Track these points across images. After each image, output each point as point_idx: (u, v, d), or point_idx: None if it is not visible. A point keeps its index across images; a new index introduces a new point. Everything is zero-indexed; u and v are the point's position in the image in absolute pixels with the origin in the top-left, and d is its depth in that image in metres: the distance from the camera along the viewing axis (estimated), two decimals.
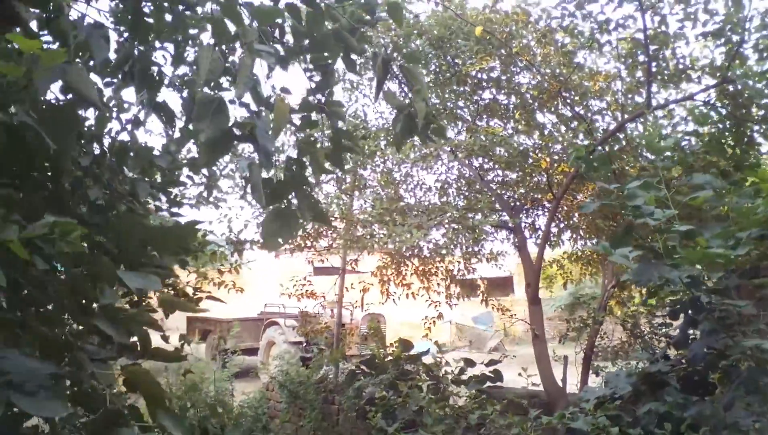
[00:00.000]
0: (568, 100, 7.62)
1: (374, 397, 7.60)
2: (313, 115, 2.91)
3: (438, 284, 9.69)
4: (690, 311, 3.12)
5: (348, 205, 8.58)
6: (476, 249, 9.24)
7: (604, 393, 3.62)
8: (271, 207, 2.51)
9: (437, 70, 8.24)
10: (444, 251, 9.41)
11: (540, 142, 8.15)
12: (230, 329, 18.84)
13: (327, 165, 3.25)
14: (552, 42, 7.33)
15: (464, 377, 7.47)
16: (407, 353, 8.13)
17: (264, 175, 2.57)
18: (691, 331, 3.20)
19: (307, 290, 9.57)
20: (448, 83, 8.13)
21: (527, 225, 9.07)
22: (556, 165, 8.04)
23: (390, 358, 8.29)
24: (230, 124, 2.24)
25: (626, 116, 7.08)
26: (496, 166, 8.71)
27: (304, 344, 15.81)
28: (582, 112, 7.70)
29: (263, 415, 9.64)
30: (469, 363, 7.59)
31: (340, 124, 3.08)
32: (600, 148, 6.10)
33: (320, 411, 8.13)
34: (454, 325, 25.21)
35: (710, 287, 2.91)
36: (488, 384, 7.42)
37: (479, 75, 8.16)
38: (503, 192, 8.83)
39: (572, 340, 8.43)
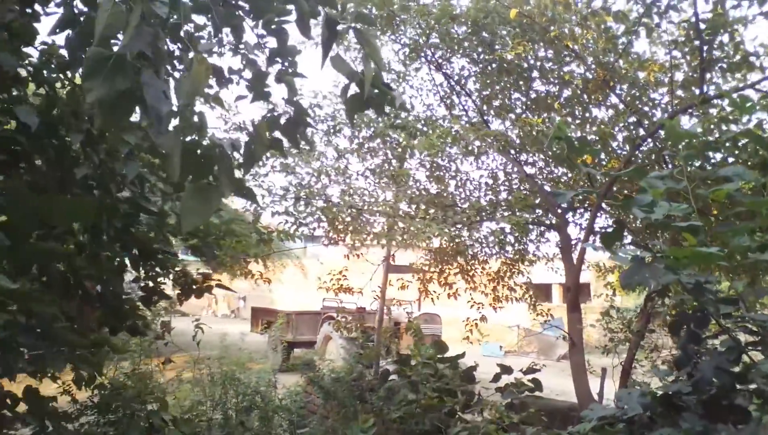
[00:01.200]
0: (617, 91, 7.00)
1: (406, 399, 7.31)
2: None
3: (484, 286, 9.25)
4: (692, 324, 2.64)
5: (393, 197, 8.23)
6: (524, 247, 8.78)
7: (610, 413, 3.17)
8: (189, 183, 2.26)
9: (477, 58, 7.82)
10: (495, 248, 8.99)
11: (592, 136, 7.58)
12: (290, 322, 19.13)
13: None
14: (596, 24, 6.72)
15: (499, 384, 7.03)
16: (441, 356, 7.76)
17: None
18: (696, 348, 2.71)
19: (342, 285, 9.34)
20: (490, 73, 7.68)
21: (576, 225, 8.49)
22: (605, 162, 7.43)
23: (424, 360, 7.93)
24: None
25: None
26: (541, 162, 8.19)
27: (361, 340, 15.71)
28: (631, 102, 7.05)
29: (301, 409, 9.50)
30: (506, 370, 7.13)
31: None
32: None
33: (353, 410, 7.88)
34: (522, 329, 24.49)
35: (720, 296, 2.43)
36: (526, 393, 6.94)
37: (524, 63, 7.65)
38: (549, 189, 8.29)
39: (611, 350, 7.79)
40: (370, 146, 8.03)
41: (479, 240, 8.88)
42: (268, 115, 2.90)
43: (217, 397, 9.28)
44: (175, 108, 2.08)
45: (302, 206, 7.18)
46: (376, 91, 2.46)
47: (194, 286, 5.59)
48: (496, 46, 7.44)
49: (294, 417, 9.18)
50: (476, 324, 9.03)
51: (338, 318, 16.94)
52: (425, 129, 7.15)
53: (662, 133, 6.26)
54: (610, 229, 2.58)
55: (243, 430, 9.07)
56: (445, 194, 8.89)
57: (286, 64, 2.81)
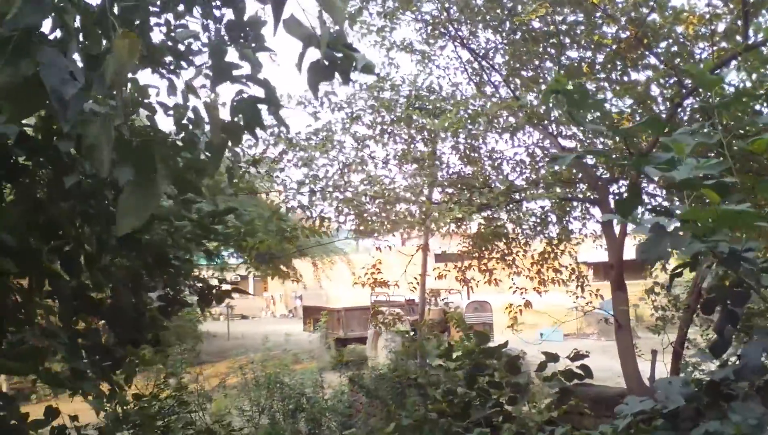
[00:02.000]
0: (654, 49, 6.44)
1: (450, 393, 6.95)
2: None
3: (528, 269, 8.81)
4: (729, 301, 2.22)
5: (426, 181, 7.86)
6: (567, 226, 8.30)
7: (647, 407, 2.77)
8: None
9: (501, 28, 7.35)
10: (537, 228, 8.56)
11: (629, 102, 7.01)
12: (339, 319, 19.05)
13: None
14: None
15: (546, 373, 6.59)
16: (483, 346, 7.36)
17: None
18: (730, 330, 2.28)
19: (376, 279, 9.04)
20: (516, 43, 7.21)
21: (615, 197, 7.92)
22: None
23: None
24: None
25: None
26: (580, 133, 7.67)
27: (411, 334, 15.49)
28: (670, 60, 6.46)
29: (348, 408, 9.28)
30: (552, 357, 6.69)
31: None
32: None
33: (396, 407, 7.59)
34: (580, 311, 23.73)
35: (764, 266, 2.00)
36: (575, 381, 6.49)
37: (551, 28, 7.15)
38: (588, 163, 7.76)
39: (660, 330, 7.20)
40: (392, 131, 7.70)
41: (518, 221, 8.44)
42: (237, 97, 2.62)
43: (263, 401, 9.17)
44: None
45: (319, 199, 6.93)
46: (340, 54, 2.14)
47: (211, 293, 5.41)
48: (519, 11, 6.97)
49: (341, 418, 8.98)
50: (521, 310, 8.60)
51: (386, 312, 16.79)
52: (450, 108, 6.77)
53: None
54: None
55: (291, 433, 8.94)
56: (480, 177, 8.49)
57: (249, 37, 2.51)
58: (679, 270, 2.34)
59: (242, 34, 2.44)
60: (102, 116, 1.90)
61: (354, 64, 2.18)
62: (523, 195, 7.54)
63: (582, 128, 6.59)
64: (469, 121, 6.67)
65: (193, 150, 3.76)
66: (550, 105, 6.41)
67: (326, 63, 2.11)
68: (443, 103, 7.33)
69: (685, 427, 2.69)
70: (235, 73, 2.51)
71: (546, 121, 7.41)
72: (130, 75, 3.04)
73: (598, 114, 3.33)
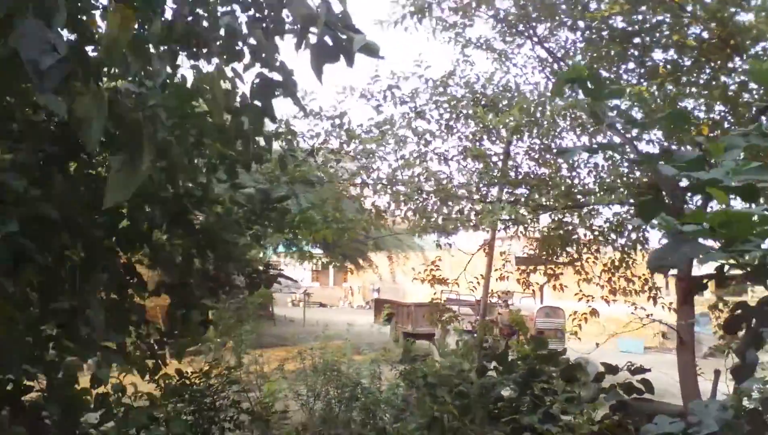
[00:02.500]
0: (741, 51, 5.92)
1: (502, 397, 6.76)
2: None
3: (598, 277, 8.40)
4: (755, 321, 1.95)
5: (484, 179, 7.64)
6: (643, 234, 7.84)
7: (677, 429, 2.52)
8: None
9: (579, 26, 7.00)
10: (610, 235, 8.15)
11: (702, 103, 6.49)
12: (409, 314, 18.97)
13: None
14: None
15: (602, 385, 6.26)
16: (540, 352, 7.08)
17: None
18: (755, 353, 2.01)
19: (434, 276, 8.87)
20: (596, 43, 6.83)
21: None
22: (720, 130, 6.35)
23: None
24: None
25: None
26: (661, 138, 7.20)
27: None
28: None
29: (403, 402, 9.19)
30: (611, 369, 6.35)
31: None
32: None
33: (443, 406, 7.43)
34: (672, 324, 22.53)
35: None
36: (634, 395, 6.13)
37: (635, 27, 6.74)
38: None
39: (723, 349, 6.65)
40: (455, 127, 7.53)
41: (588, 225, 8.06)
42: (257, 80, 2.58)
43: (319, 388, 9.24)
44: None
45: (370, 192, 6.86)
46: (345, 37, 2.05)
47: (260, 277, 5.46)
48: (592, 8, 6.62)
49: (394, 411, 8.91)
50: (585, 318, 8.22)
51: (456, 311, 16.57)
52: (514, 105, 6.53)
53: None
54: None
55: (344, 421, 8.96)
56: (556, 178, 8.16)
57: (267, 19, 2.46)
58: (705, 281, 2.09)
59: (259, 16, 2.39)
60: (93, 91, 1.89)
61: (365, 47, 2.09)
62: (586, 198, 7.17)
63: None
64: (530, 120, 6.41)
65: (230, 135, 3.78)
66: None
67: (329, 44, 2.02)
68: (502, 99, 7.11)
69: None
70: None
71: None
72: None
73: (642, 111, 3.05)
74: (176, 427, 3.26)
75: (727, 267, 1.83)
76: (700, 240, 1.75)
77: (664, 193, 6.69)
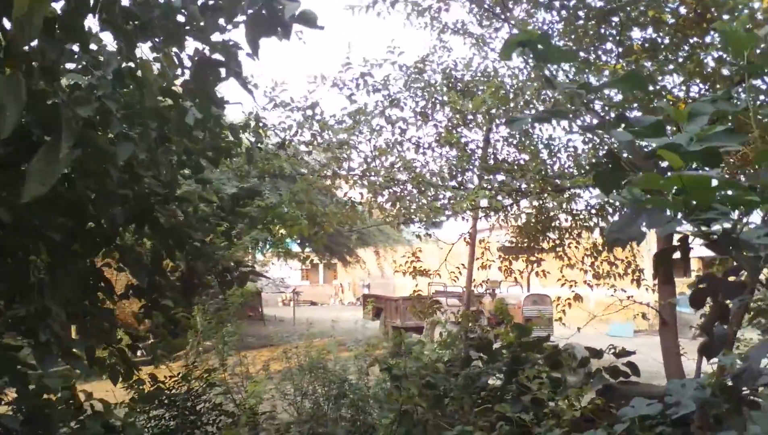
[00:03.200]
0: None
1: (486, 386, 6.66)
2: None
3: (581, 262, 8.33)
4: (721, 294, 1.84)
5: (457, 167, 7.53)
6: None
7: (654, 410, 2.42)
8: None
9: (558, 6, 6.88)
10: (593, 219, 8.07)
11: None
12: (397, 308, 18.90)
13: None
14: None
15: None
16: (522, 339, 7.00)
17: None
18: (723, 328, 1.91)
19: (415, 267, 8.76)
20: (573, 23, 6.71)
21: None
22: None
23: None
24: None
25: None
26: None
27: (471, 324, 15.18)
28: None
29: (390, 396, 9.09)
30: (595, 353, 6.28)
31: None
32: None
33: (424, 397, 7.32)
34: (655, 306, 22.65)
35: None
36: (620, 379, 6.06)
37: (612, 4, 6.63)
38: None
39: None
40: (430, 114, 7.41)
41: (572, 211, 7.99)
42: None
43: (305, 386, 9.12)
44: None
45: (340, 183, 6.73)
46: (281, 6, 1.92)
47: (230, 276, 5.33)
48: None
49: (383, 405, 8.81)
50: (569, 303, 8.15)
51: (442, 302, 16.51)
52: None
53: None
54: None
55: (333, 418, 8.85)
56: (535, 163, 8.07)
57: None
58: (666, 255, 1.98)
59: None
60: (9, 76, 1.75)
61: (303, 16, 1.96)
62: (562, 181, 7.08)
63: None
64: (507, 106, 6.29)
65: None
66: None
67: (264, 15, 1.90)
68: (478, 83, 6.99)
69: None
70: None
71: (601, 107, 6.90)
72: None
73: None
74: (132, 433, 3.13)
75: (691, 238, 1.73)
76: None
77: (624, 162, 6.60)
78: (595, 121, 6.38)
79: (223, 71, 2.37)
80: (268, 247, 12.29)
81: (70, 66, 2.94)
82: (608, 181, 1.78)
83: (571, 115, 1.58)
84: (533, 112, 6.95)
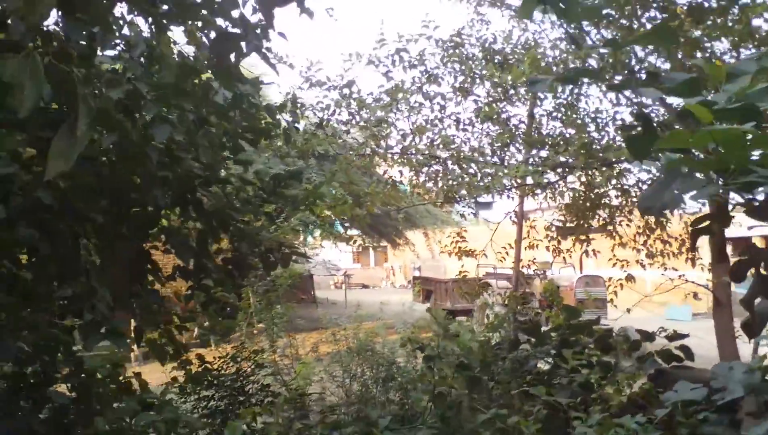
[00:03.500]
0: None
1: (533, 370, 6.54)
2: None
3: (633, 240, 8.05)
4: (765, 264, 1.69)
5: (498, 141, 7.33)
6: None
7: (698, 395, 2.28)
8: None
9: None
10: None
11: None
12: (447, 290, 18.79)
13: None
14: None
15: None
16: (571, 322, 6.83)
17: None
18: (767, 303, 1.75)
19: (459, 247, 8.62)
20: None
21: None
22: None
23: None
24: None
25: None
26: None
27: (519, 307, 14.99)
28: None
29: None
30: (647, 337, 6.07)
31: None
32: None
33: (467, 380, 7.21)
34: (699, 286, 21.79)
35: None
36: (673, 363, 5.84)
37: None
38: None
39: None
40: (468, 89, 7.22)
41: (622, 187, 7.70)
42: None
43: (354, 368, 9.16)
44: None
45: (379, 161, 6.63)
46: None
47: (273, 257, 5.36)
48: None
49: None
50: (621, 284, 7.90)
51: (493, 284, 16.30)
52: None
53: None
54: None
55: (381, 401, 8.87)
56: (582, 137, 7.79)
57: None
58: (706, 222, 1.84)
59: None
60: (25, 56, 1.75)
61: None
62: (605, 154, 6.80)
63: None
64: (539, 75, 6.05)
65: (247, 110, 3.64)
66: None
67: None
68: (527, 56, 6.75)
69: (745, 423, 2.18)
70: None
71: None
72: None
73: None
74: (168, 413, 3.18)
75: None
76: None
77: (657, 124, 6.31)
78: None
79: (244, 47, 2.34)
80: (315, 229, 12.36)
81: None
82: (640, 145, 1.66)
83: (598, 76, 1.46)
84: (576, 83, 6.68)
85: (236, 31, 2.23)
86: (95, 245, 4.09)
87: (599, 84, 6.11)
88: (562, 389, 6.12)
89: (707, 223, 1.78)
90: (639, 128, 1.64)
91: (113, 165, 3.87)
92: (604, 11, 4.85)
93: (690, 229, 1.85)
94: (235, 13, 2.21)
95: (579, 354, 6.50)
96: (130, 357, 10.23)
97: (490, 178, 6.63)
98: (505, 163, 6.88)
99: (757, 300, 1.72)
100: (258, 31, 2.25)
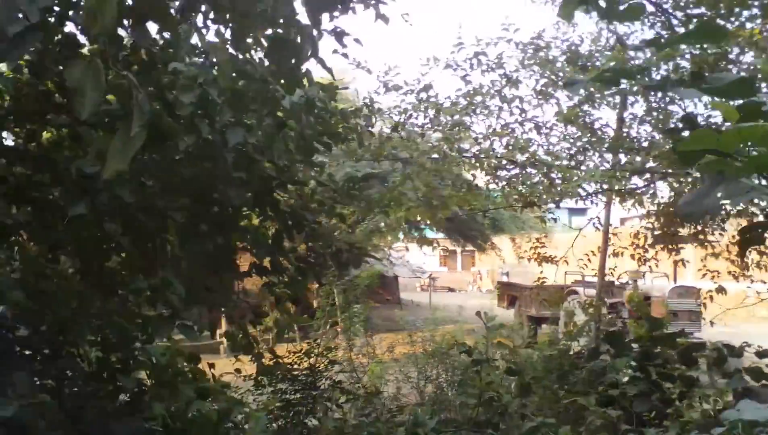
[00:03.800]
0: None
1: (615, 381, 6.31)
2: None
3: (727, 250, 7.60)
4: None
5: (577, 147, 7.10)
6: None
7: (765, 416, 2.12)
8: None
9: None
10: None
11: None
12: (532, 297, 18.38)
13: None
14: None
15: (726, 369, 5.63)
16: (655, 333, 6.52)
17: None
18: None
19: (539, 253, 8.39)
20: None
21: None
22: None
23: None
24: None
25: None
26: None
27: (608, 315, 14.49)
28: None
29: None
30: (735, 352, 5.71)
31: None
32: None
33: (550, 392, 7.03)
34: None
35: None
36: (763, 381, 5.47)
37: None
38: None
39: None
40: (549, 92, 7.03)
41: None
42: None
43: (429, 371, 9.16)
44: None
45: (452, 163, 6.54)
46: None
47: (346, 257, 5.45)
48: None
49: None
50: (711, 296, 7.46)
51: (583, 293, 15.81)
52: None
53: None
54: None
55: (456, 404, 8.84)
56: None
57: None
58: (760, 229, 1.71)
59: None
60: (88, 62, 1.89)
61: None
62: None
63: None
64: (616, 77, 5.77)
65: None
66: None
67: None
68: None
69: None
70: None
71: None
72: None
73: None
74: (221, 401, 3.30)
75: None
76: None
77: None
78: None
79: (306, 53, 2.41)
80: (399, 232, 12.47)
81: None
82: (688, 151, 1.57)
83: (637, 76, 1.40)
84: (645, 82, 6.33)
85: (291, 37, 2.30)
86: (174, 242, 4.28)
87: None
88: (640, 401, 5.88)
89: (759, 231, 1.67)
90: (686, 132, 1.56)
91: (194, 166, 4.05)
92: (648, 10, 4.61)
93: (740, 237, 1.73)
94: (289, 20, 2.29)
95: (661, 367, 6.22)
96: (219, 349, 10.69)
97: (562, 182, 6.42)
98: (581, 168, 6.66)
99: None
100: (315, 33, 2.31)
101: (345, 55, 3.64)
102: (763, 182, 1.42)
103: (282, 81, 2.62)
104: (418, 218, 7.00)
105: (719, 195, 1.42)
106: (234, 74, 2.46)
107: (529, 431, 4.38)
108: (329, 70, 2.89)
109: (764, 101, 1.38)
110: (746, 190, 1.38)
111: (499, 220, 20.57)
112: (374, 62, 7.70)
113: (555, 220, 8.18)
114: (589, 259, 8.66)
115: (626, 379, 6.41)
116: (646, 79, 1.53)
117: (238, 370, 4.92)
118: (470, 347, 5.69)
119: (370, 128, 4.97)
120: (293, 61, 2.41)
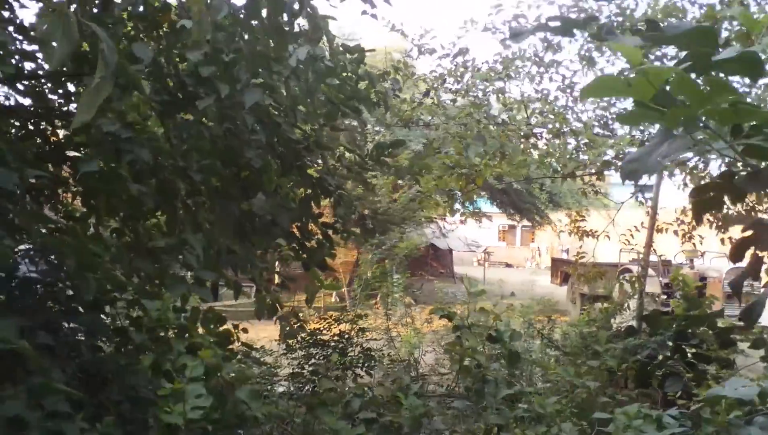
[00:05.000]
0: None
1: (653, 360, 6.16)
2: None
3: None
4: (761, 242, 1.38)
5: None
6: None
7: (748, 395, 1.98)
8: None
9: None
10: None
11: None
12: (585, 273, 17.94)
13: None
14: None
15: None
16: (691, 312, 6.27)
17: None
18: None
19: (578, 227, 8.12)
20: None
21: None
22: None
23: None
24: None
25: None
26: None
27: (663, 295, 14.01)
28: None
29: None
30: None
31: None
32: None
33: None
34: None
35: None
36: None
37: None
38: None
39: None
40: (593, 58, 6.68)
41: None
42: None
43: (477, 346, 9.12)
44: None
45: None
46: None
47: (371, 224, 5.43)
48: None
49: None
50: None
51: (635, 271, 15.33)
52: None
53: None
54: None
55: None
56: None
57: None
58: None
59: None
60: (58, 12, 1.92)
61: None
62: None
63: None
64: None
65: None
66: None
67: None
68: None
69: None
70: None
71: None
72: None
73: None
74: (212, 358, 3.36)
75: None
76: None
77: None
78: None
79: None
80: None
81: None
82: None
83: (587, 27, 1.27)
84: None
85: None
86: (205, 203, 4.33)
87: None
88: (672, 382, 5.70)
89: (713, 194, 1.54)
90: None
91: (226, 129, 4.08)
92: None
93: (691, 200, 1.59)
94: None
95: (697, 347, 6.00)
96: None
97: (586, 149, 6.14)
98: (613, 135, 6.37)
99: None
100: None
101: (374, 16, 3.56)
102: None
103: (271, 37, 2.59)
104: (452, 186, 6.86)
105: (661, 151, 1.32)
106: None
107: (506, 397, 4.36)
108: (325, 30, 2.82)
109: (710, 51, 1.27)
110: (688, 145, 1.28)
111: (556, 194, 20.05)
112: (410, 26, 7.54)
113: (597, 193, 7.90)
114: (632, 235, 8.35)
115: (660, 357, 6.23)
116: (595, 28, 1.42)
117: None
118: (450, 312, 5.61)
119: (398, 93, 4.87)
120: (284, 17, 2.37)
